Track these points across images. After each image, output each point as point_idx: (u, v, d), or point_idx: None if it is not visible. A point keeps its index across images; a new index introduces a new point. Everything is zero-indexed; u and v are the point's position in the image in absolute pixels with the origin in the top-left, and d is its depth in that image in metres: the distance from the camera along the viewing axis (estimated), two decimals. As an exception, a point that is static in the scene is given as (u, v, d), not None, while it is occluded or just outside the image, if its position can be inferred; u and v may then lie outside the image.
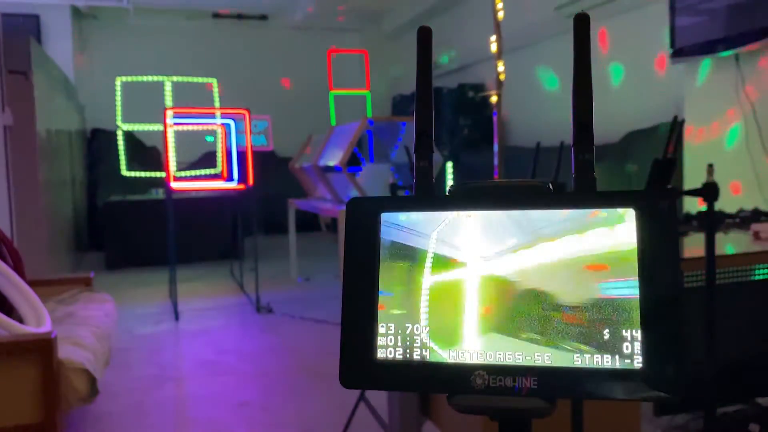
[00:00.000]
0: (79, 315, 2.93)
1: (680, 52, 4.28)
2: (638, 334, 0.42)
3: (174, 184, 4.56)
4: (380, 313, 0.47)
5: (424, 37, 0.55)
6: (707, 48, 4.09)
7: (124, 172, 6.65)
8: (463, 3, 8.34)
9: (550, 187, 0.47)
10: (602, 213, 0.45)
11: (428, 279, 0.48)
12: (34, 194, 5.19)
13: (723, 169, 4.05)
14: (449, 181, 7.13)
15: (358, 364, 0.46)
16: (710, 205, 1.45)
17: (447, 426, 1.81)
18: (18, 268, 3.07)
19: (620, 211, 0.45)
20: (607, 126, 5.74)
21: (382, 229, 0.49)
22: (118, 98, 6.51)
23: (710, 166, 1.53)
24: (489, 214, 0.47)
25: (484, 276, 0.46)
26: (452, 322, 0.46)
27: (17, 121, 4.88)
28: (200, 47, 9.73)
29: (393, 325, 0.47)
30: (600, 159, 5.27)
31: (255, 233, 5.23)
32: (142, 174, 6.95)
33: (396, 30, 10.07)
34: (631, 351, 0.42)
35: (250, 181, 4.80)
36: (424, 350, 0.46)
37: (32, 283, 2.98)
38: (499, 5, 2.22)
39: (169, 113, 4.51)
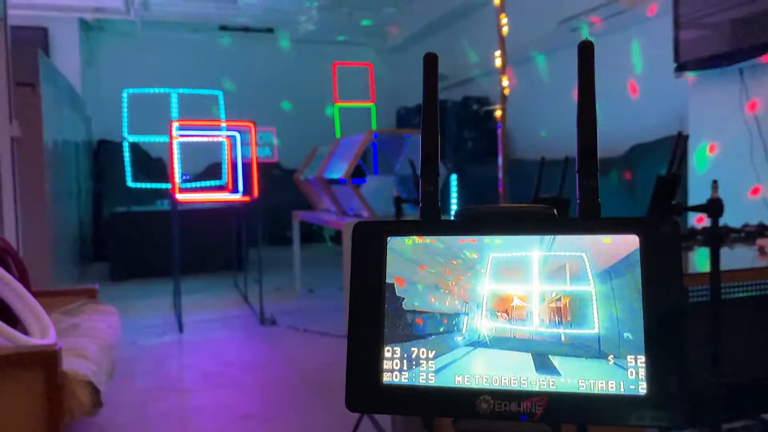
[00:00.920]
0: (83, 326, 2.94)
1: (684, 66, 4.30)
2: (642, 360, 0.43)
3: (179, 196, 4.58)
4: (386, 336, 0.48)
5: (430, 64, 0.56)
6: (711, 62, 4.10)
7: (130, 184, 6.68)
8: (467, 16, 8.38)
9: (555, 212, 0.48)
10: (606, 239, 0.46)
11: (433, 302, 0.48)
12: (41, 205, 5.22)
13: (728, 182, 4.05)
14: (453, 194, 7.13)
15: (364, 387, 0.47)
16: (715, 222, 1.45)
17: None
18: (23, 279, 3.08)
19: (624, 237, 0.45)
20: (612, 139, 5.74)
21: (389, 253, 0.49)
22: (125, 110, 6.56)
23: (715, 182, 1.53)
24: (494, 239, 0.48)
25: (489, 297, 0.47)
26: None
27: (25, 133, 4.92)
28: (207, 59, 9.81)
29: (398, 348, 0.47)
30: (604, 172, 5.28)
31: (259, 245, 5.24)
32: (148, 185, 6.98)
33: (400, 43, 10.13)
34: (636, 377, 0.43)
35: (255, 193, 4.81)
36: (429, 374, 0.46)
37: (37, 294, 2.99)
38: (504, 20, 2.23)
39: (175, 125, 4.53)
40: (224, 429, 2.81)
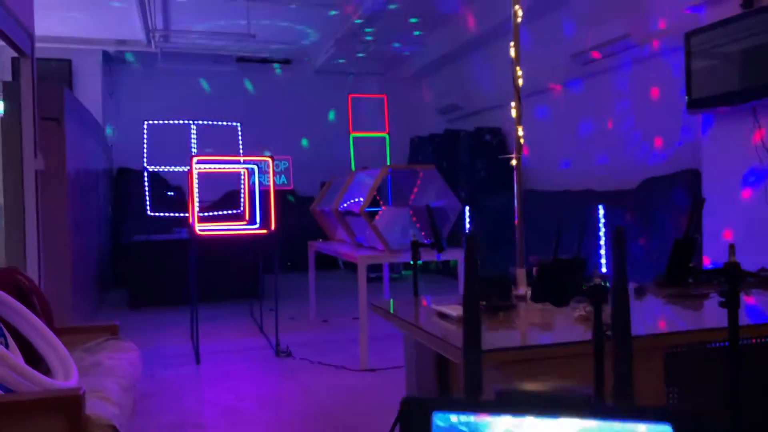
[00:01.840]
0: (105, 365, 3.01)
1: (697, 102, 4.34)
2: None
3: (199, 228, 4.67)
4: None
5: (472, 246, 0.60)
6: (724, 100, 4.14)
7: (149, 213, 6.81)
8: (479, 48, 8.49)
9: (591, 396, 0.52)
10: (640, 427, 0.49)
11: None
12: (63, 234, 5.34)
13: (741, 221, 4.06)
14: (467, 224, 7.18)
15: None
16: (733, 287, 1.46)
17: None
18: (47, 318, 3.17)
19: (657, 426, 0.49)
20: (625, 172, 5.77)
21: (434, 428, 0.53)
22: (145, 141, 6.71)
23: (731, 246, 1.55)
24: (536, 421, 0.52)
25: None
26: None
27: (48, 166, 5.06)
28: (225, 90, 10.03)
29: None
30: (617, 204, 5.30)
31: (276, 275, 5.30)
32: (166, 214, 7.11)
33: (414, 74, 10.27)
34: None
35: (273, 226, 4.90)
36: None
37: (59, 331, 3.08)
38: (519, 72, 2.30)
39: (195, 160, 4.65)
40: (241, 469, 2.85)
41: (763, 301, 2.32)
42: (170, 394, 3.93)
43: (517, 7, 2.38)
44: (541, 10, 6.70)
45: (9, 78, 6.52)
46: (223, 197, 9.17)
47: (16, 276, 3.10)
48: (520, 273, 2.31)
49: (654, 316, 2.18)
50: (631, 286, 2.64)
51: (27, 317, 2.78)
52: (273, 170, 4.89)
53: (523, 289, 2.30)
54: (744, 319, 1.81)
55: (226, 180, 8.19)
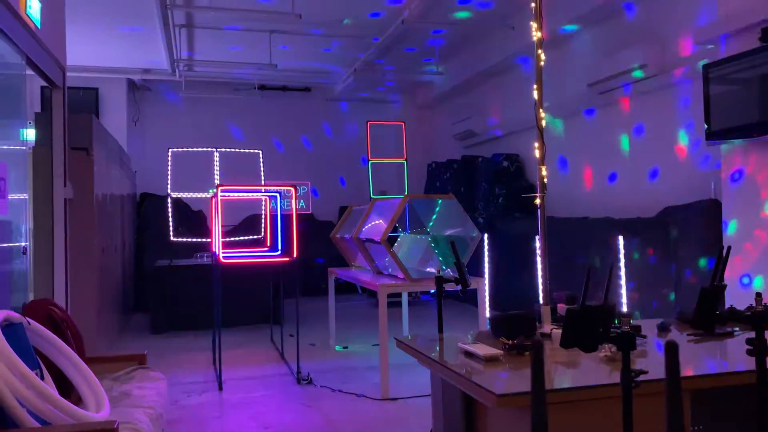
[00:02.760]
0: (134, 395, 3.08)
1: (716, 134, 4.36)
2: None
3: (223, 256, 4.76)
4: None
5: (538, 356, 0.65)
6: (743, 131, 4.16)
7: (172, 238, 6.92)
8: (496, 77, 8.59)
9: None
10: None
11: None
12: (90, 262, 5.46)
13: (761, 252, 4.05)
14: (486, 251, 7.19)
15: None
16: (759, 336, 1.48)
17: None
18: (78, 348, 3.25)
19: None
20: (644, 200, 5.79)
21: None
22: (169, 168, 6.86)
23: (758, 295, 1.58)
24: None
25: None
26: None
27: (77, 194, 5.20)
28: (245, 117, 10.24)
29: None
30: (637, 233, 5.31)
31: (297, 302, 5.36)
32: (189, 240, 7.22)
33: (431, 100, 10.40)
34: None
35: (295, 254, 4.97)
36: None
37: (89, 360, 3.15)
38: (542, 114, 2.37)
39: (220, 189, 4.75)
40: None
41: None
42: (195, 422, 3.99)
43: (540, 51, 2.45)
44: (558, 40, 6.78)
45: (37, 106, 6.71)
46: (243, 221, 9.30)
47: (49, 307, 3.19)
48: (545, 311, 2.35)
49: (680, 356, 2.20)
50: (654, 322, 2.67)
51: (61, 349, 2.86)
52: (296, 199, 4.97)
53: (548, 327, 2.33)
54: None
55: (246, 204, 8.31)
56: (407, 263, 5.07)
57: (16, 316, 2.63)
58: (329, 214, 10.46)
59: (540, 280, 6.54)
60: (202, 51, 8.34)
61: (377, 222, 5.37)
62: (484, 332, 2.64)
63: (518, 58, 7.72)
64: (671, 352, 0.58)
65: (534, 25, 2.42)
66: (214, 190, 4.89)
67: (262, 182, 6.93)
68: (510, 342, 2.14)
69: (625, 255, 5.17)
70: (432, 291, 8.82)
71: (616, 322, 1.53)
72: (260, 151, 7.16)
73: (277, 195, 5.57)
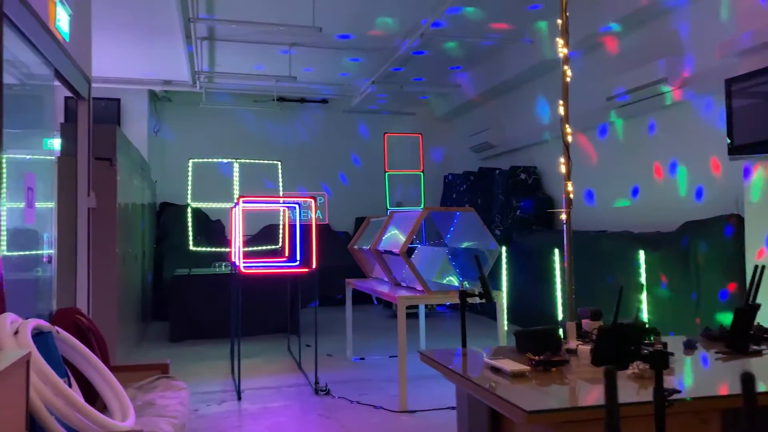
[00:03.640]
0: (158, 404, 3.11)
1: (739, 149, 4.34)
2: None
3: (243, 267, 4.79)
4: None
5: (611, 379, 0.66)
6: (766, 146, 4.14)
7: (191, 248, 6.99)
8: (513, 89, 8.61)
9: None
10: None
11: None
12: (112, 271, 5.53)
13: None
14: (503, 264, 7.18)
15: None
16: None
17: None
18: (103, 356, 3.29)
19: None
20: (665, 214, 5.76)
21: None
22: (190, 179, 6.93)
23: None
24: None
25: None
26: None
27: (100, 204, 5.28)
28: (264, 128, 10.35)
29: None
30: (657, 247, 5.27)
31: (315, 313, 5.38)
32: (207, 249, 7.28)
33: (448, 112, 10.44)
34: None
35: (314, 265, 4.99)
36: None
37: (113, 369, 3.19)
38: (568, 129, 2.38)
39: (242, 200, 4.80)
40: None
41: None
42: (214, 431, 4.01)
43: (566, 67, 2.47)
44: (578, 52, 6.79)
45: (61, 116, 6.82)
46: (261, 231, 9.36)
47: (76, 316, 3.24)
48: (571, 327, 2.35)
49: (708, 375, 2.19)
50: (680, 339, 2.65)
51: (88, 357, 2.90)
52: (315, 209, 5.00)
53: (573, 343, 2.33)
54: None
55: (264, 214, 8.37)
56: (425, 275, 5.08)
57: (45, 325, 2.68)
58: (346, 225, 10.51)
59: (559, 295, 6.51)
60: (222, 63, 8.45)
61: (396, 234, 5.39)
62: (505, 347, 2.64)
63: (537, 69, 7.73)
64: (748, 382, 0.59)
65: (560, 41, 2.44)
66: (235, 201, 4.94)
67: (281, 193, 6.98)
68: (536, 358, 2.15)
69: (646, 270, 5.13)
70: (448, 303, 8.82)
71: (651, 338, 1.54)
72: (279, 162, 7.22)
73: (297, 206, 5.61)
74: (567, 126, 2.40)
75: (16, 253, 3.92)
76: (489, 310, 7.79)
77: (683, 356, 2.39)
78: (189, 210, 6.98)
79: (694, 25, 5.58)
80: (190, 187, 7.01)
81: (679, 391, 1.58)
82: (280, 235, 6.85)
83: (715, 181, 5.34)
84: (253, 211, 7.26)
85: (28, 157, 4.31)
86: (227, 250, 6.44)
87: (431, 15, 6.64)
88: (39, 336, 2.56)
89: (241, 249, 4.86)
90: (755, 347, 2.36)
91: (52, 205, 4.71)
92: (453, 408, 4.34)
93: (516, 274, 7.34)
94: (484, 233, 5.08)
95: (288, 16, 6.68)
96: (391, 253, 5.22)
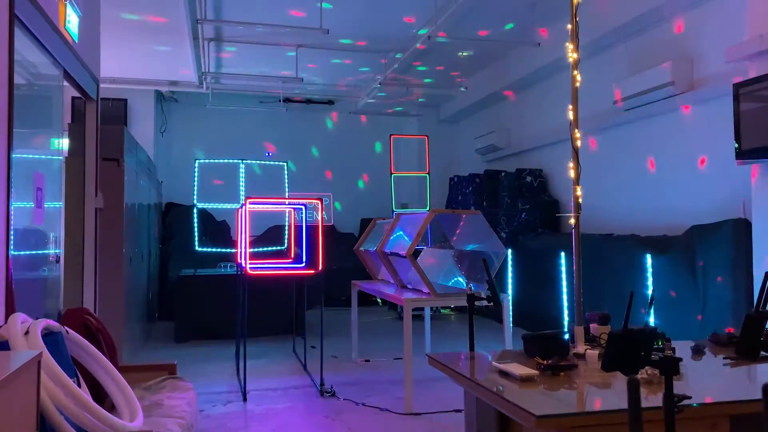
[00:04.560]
0: (165, 405, 3.12)
1: (746, 153, 4.33)
2: None
3: (250, 268, 4.81)
4: None
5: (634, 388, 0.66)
6: (774, 151, 4.13)
7: (197, 248, 7.01)
8: (520, 92, 8.61)
9: None
10: None
11: None
12: (118, 271, 5.55)
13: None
14: (509, 266, 7.17)
15: None
16: None
17: None
18: (111, 356, 3.31)
19: None
20: (672, 218, 5.75)
21: None
22: (195, 179, 6.95)
23: None
24: None
25: None
26: None
27: (107, 204, 5.30)
28: (270, 129, 10.37)
29: None
30: (664, 251, 5.26)
31: (321, 314, 5.39)
32: (213, 250, 7.30)
33: (453, 114, 10.44)
34: None
35: (320, 266, 5.00)
36: None
37: (121, 369, 3.20)
38: (577, 134, 2.38)
39: (248, 202, 4.81)
40: None
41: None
42: (220, 433, 4.02)
43: (576, 72, 2.47)
44: (584, 55, 6.79)
45: (68, 116, 6.85)
46: (266, 232, 9.38)
47: (85, 316, 3.26)
48: (579, 331, 2.35)
49: (717, 380, 2.18)
50: (687, 344, 2.65)
51: (97, 358, 2.91)
52: (322, 211, 5.02)
53: (581, 347, 2.33)
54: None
55: (269, 214, 8.39)
56: (431, 277, 5.08)
57: (55, 325, 2.69)
58: (351, 227, 10.52)
59: (565, 298, 6.50)
60: (229, 64, 8.48)
61: (402, 236, 5.39)
62: (512, 351, 2.64)
63: (542, 72, 7.73)
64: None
65: (570, 46, 2.44)
66: (241, 203, 4.96)
67: (287, 194, 7.00)
68: (545, 362, 2.15)
69: (653, 273, 5.13)
70: (453, 306, 8.82)
71: (660, 343, 1.54)
72: (285, 164, 7.24)
73: (303, 207, 5.62)
74: (576, 131, 2.40)
75: (24, 253, 3.94)
76: (495, 313, 7.78)
77: (691, 361, 2.39)
78: (195, 210, 6.99)
79: (702, 28, 5.57)
80: (195, 188, 7.03)
81: (689, 397, 1.59)
82: (286, 237, 6.86)
83: (722, 185, 5.33)
84: (258, 211, 7.28)
85: (36, 157, 4.33)
86: (233, 250, 6.45)
87: (439, 16, 6.65)
88: (49, 336, 2.57)
89: (248, 249, 4.87)
90: (765, 353, 2.36)
91: (59, 205, 4.74)
92: (459, 411, 4.34)
93: (522, 276, 7.33)
94: (491, 236, 5.08)
95: (295, 18, 6.69)
96: (397, 255, 5.22)
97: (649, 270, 5.16)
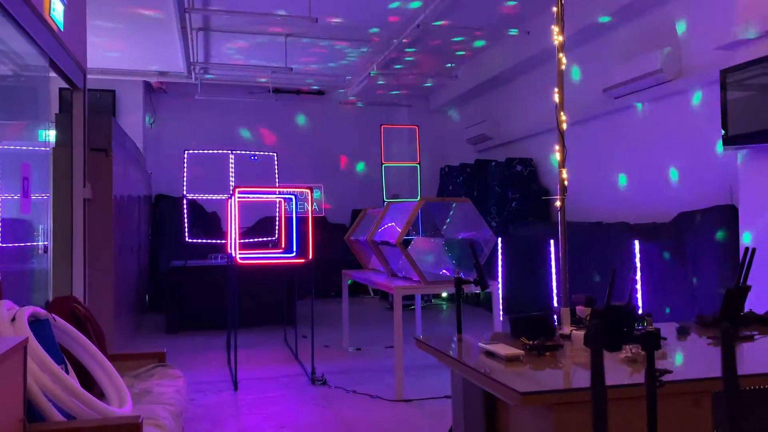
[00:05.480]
0: (154, 392, 3.12)
1: (733, 139, 4.36)
2: None
3: (240, 257, 4.80)
4: None
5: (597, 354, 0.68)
6: (761, 137, 4.16)
7: (188, 239, 6.99)
8: (510, 81, 8.61)
9: None
10: None
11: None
12: (108, 262, 5.53)
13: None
14: (499, 255, 7.20)
15: None
16: None
17: None
18: (100, 345, 3.30)
19: None
20: (660, 205, 5.78)
21: None
22: (185, 170, 6.92)
23: None
24: None
25: None
26: None
27: (96, 194, 5.27)
28: (259, 119, 10.32)
29: None
30: (651, 238, 5.30)
31: (312, 304, 5.39)
32: (203, 241, 7.28)
33: (444, 104, 10.43)
34: None
35: (310, 255, 5.00)
36: None
37: (110, 358, 3.20)
38: (564, 117, 2.39)
39: (237, 191, 4.80)
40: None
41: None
42: (211, 421, 4.02)
43: (561, 54, 2.48)
44: (572, 44, 6.79)
45: (56, 108, 6.80)
46: (257, 223, 9.36)
47: (73, 304, 3.24)
48: (565, 312, 2.37)
49: (701, 358, 2.21)
50: (673, 326, 2.68)
51: (85, 345, 2.90)
52: (312, 200, 5.01)
53: (567, 329, 2.35)
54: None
55: (260, 206, 8.38)
56: (421, 266, 5.09)
57: (42, 313, 2.68)
58: (342, 217, 10.51)
59: (555, 283, 6.54)
60: (218, 54, 8.42)
61: (392, 225, 5.40)
62: (500, 334, 2.65)
63: (531, 62, 7.73)
64: (727, 336, 0.61)
65: (555, 28, 2.45)
66: (230, 192, 4.94)
67: (277, 184, 6.98)
68: (530, 342, 2.16)
69: (641, 260, 5.16)
70: (444, 293, 8.85)
71: (644, 324, 1.56)
72: (275, 154, 7.22)
73: (293, 197, 5.61)
74: (562, 114, 2.41)
75: (11, 245, 3.92)
76: (485, 302, 7.81)
77: (676, 341, 2.41)
78: (184, 202, 6.97)
79: (691, 15, 5.59)
80: (185, 179, 7.00)
81: (670, 372, 1.60)
82: (277, 227, 6.85)
83: (710, 172, 5.36)
84: (249, 203, 7.26)
85: (23, 148, 4.30)
86: (223, 241, 6.44)
87: (428, 5, 6.63)
88: (36, 323, 2.56)
89: (237, 240, 4.86)
90: (747, 332, 2.39)
91: (47, 196, 4.71)
92: (449, 397, 4.37)
93: (512, 265, 7.36)
94: (480, 223, 5.10)
95: (284, 7, 6.66)
96: (387, 243, 5.23)
97: (638, 256, 5.20)
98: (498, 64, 8.25)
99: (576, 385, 1.86)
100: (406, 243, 5.97)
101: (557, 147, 2.43)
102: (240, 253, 4.91)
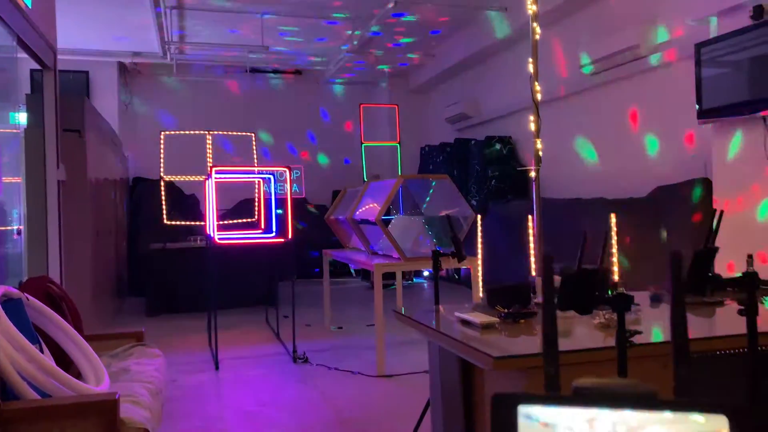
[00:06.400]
0: (133, 371, 3.10)
1: (708, 113, 4.41)
2: None
3: (218, 237, 4.77)
4: None
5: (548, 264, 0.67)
6: (734, 109, 4.21)
7: (165, 221, 6.92)
8: (488, 59, 8.59)
9: (657, 393, 0.61)
10: (699, 418, 0.57)
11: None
12: (84, 244, 5.46)
13: (754, 233, 4.12)
14: (479, 233, 7.22)
15: None
16: (751, 296, 1.53)
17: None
18: (76, 325, 3.26)
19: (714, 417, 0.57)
20: (636, 180, 5.84)
21: (519, 419, 0.62)
22: (162, 151, 6.83)
23: (750, 257, 1.62)
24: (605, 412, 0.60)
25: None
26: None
27: (70, 176, 5.19)
28: (236, 99, 10.19)
29: None
30: (628, 213, 5.36)
31: (293, 284, 5.39)
32: (182, 223, 7.21)
33: (423, 84, 10.39)
34: None
35: (290, 235, 4.99)
36: None
37: (87, 338, 3.17)
38: (537, 88, 2.39)
39: (214, 171, 4.75)
40: (266, 472, 2.92)
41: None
42: (193, 400, 4.02)
43: (535, 24, 2.47)
44: (550, 20, 6.79)
45: (27, 90, 6.66)
46: (237, 205, 9.29)
47: (47, 284, 3.20)
48: (539, 282, 2.38)
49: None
50: (646, 294, 2.72)
51: (59, 324, 2.88)
52: (290, 180, 4.98)
53: (542, 298, 2.37)
54: (760, 327, 1.87)
55: (239, 188, 8.31)
56: (402, 243, 5.10)
57: (14, 292, 2.65)
58: (322, 198, 10.48)
59: (533, 254, 6.59)
60: (192, 33, 8.28)
61: (372, 203, 5.40)
62: (479, 304, 2.67)
63: (511, 40, 7.72)
64: (675, 262, 0.61)
65: (529, -1, 2.44)
66: (208, 173, 4.90)
67: (255, 165, 6.93)
68: (506, 310, 2.18)
69: (617, 233, 5.21)
70: (426, 272, 8.89)
71: (610, 292, 1.58)
72: (253, 135, 7.15)
73: (271, 177, 5.57)
74: (536, 84, 2.41)
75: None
76: (466, 280, 7.87)
77: (649, 308, 2.45)
78: (162, 184, 6.89)
79: (666, -10, 5.60)
80: (162, 161, 6.91)
81: (640, 332, 1.63)
82: (256, 209, 6.81)
83: (685, 146, 5.42)
84: (228, 185, 7.20)
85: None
86: (202, 223, 6.39)
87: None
88: (8, 303, 2.53)
89: (216, 221, 4.83)
90: (718, 297, 2.43)
91: (19, 179, 4.63)
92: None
93: (492, 243, 7.40)
94: (460, 200, 5.12)
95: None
96: (367, 222, 5.23)
97: (614, 229, 5.25)
98: (476, 42, 8.23)
99: (549, 349, 1.88)
100: (387, 222, 5.97)
101: (532, 117, 2.44)
102: (218, 234, 4.88)
